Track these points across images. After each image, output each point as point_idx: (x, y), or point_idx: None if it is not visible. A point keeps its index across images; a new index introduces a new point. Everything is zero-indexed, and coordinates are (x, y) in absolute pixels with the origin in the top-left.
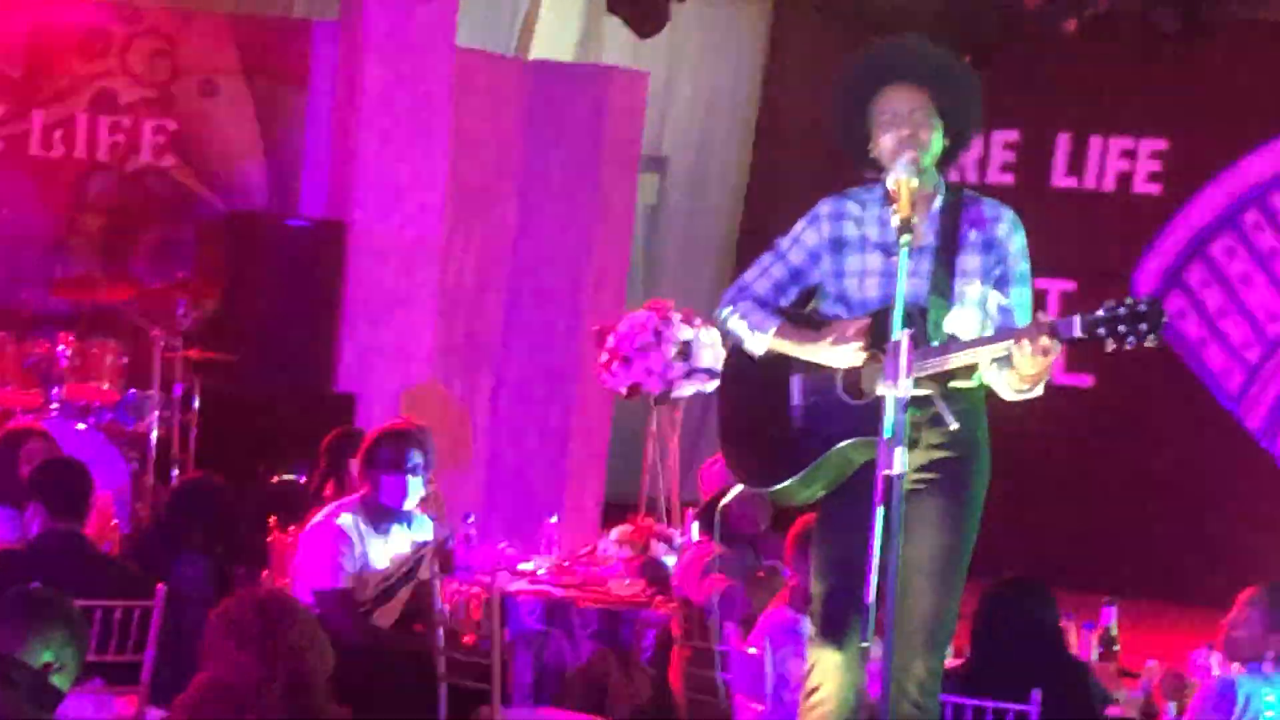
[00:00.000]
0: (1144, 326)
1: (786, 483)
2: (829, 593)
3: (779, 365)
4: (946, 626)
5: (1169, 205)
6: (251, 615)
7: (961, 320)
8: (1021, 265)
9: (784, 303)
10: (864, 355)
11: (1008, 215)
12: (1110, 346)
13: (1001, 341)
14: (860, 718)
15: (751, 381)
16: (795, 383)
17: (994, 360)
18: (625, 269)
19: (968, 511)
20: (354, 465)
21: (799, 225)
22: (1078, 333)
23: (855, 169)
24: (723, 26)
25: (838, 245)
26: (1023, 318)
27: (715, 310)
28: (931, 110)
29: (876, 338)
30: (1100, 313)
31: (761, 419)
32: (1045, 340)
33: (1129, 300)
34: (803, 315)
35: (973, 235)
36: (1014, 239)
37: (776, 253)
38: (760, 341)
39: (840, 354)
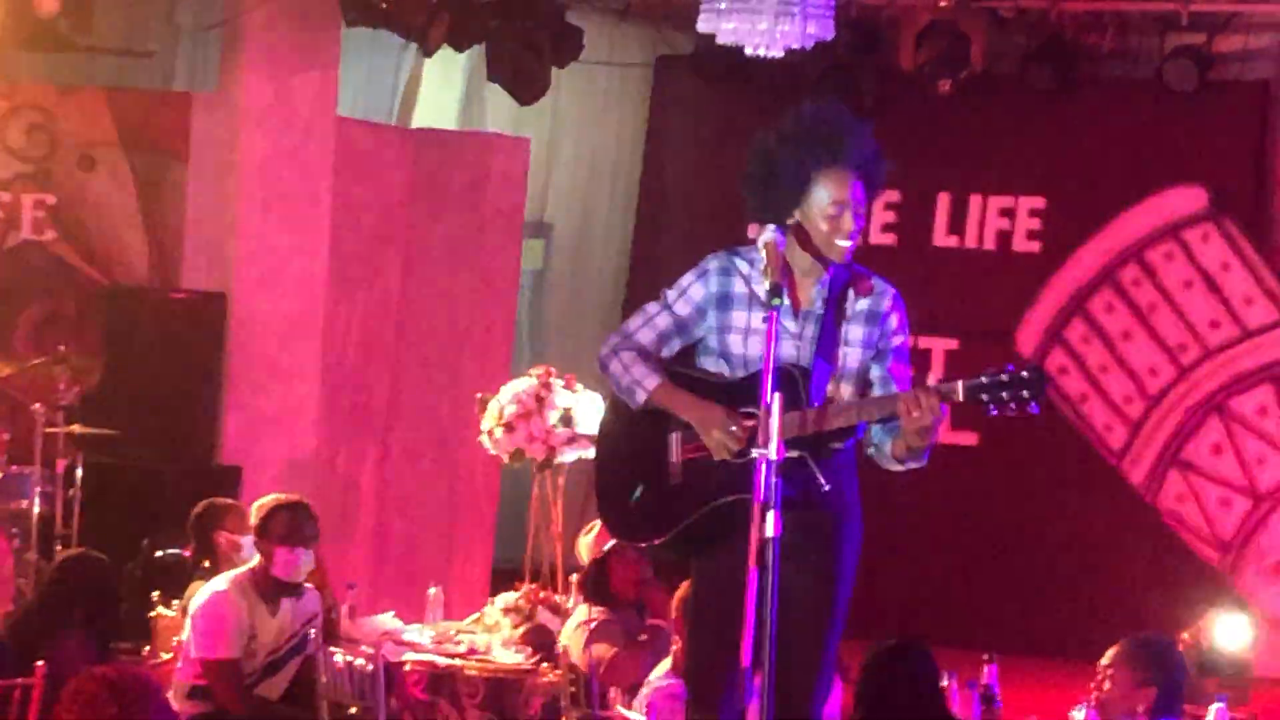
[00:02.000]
0: (1026, 393)
1: (662, 538)
2: (703, 658)
3: (655, 420)
4: (823, 687)
5: (1049, 263)
6: (104, 695)
7: (841, 387)
8: (898, 339)
9: (666, 353)
10: (733, 449)
11: (891, 292)
12: (993, 411)
13: (887, 404)
14: None
15: (629, 434)
16: (674, 438)
17: (878, 433)
18: (510, 335)
19: (840, 573)
20: (222, 538)
21: (687, 278)
22: (960, 398)
23: (754, 218)
24: (603, 91)
25: (724, 301)
26: (893, 388)
27: (600, 353)
28: (864, 199)
29: (759, 397)
30: (983, 379)
31: (638, 473)
32: (932, 401)
33: (1012, 367)
34: (685, 375)
35: (859, 306)
36: (894, 316)
37: (663, 303)
38: (639, 396)
39: (718, 443)
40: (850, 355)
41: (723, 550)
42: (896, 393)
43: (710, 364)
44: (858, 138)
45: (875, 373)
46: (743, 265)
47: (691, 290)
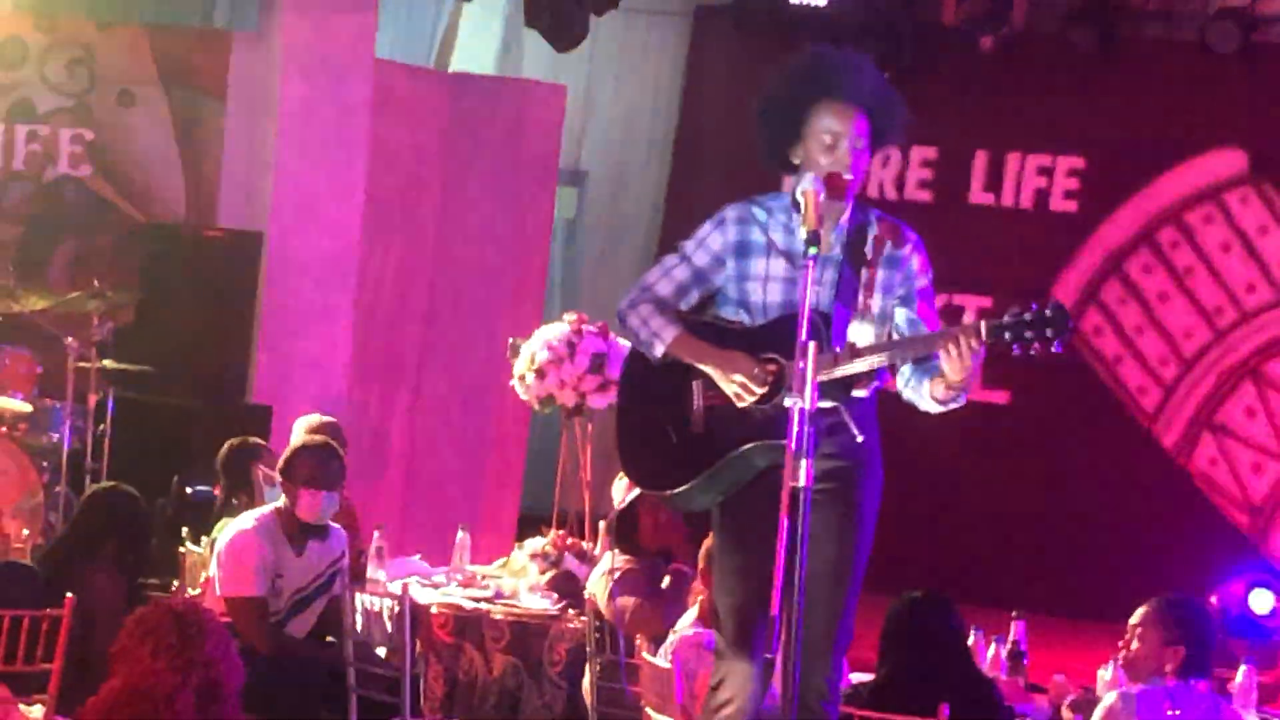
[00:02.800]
0: (1049, 331)
1: (684, 487)
2: (736, 606)
3: (678, 368)
4: (843, 636)
5: (1086, 223)
6: (168, 624)
7: (862, 332)
8: (923, 281)
9: (684, 305)
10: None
11: (911, 236)
12: (1015, 350)
13: (922, 344)
14: None
15: (650, 383)
16: (696, 386)
17: (913, 373)
18: (543, 282)
19: (862, 522)
20: (259, 473)
21: (704, 228)
22: (983, 336)
23: (768, 168)
24: (641, 41)
25: (743, 250)
26: (924, 331)
27: (618, 307)
28: (866, 134)
29: (780, 344)
30: (1005, 318)
31: (660, 422)
32: (970, 339)
33: (1036, 306)
34: (703, 324)
35: (879, 250)
36: (915, 258)
37: (680, 255)
38: (658, 348)
39: (730, 384)
40: (872, 300)
41: (746, 498)
42: (931, 332)
43: (729, 313)
44: (858, 74)
45: (902, 316)
46: (760, 213)
47: (710, 240)
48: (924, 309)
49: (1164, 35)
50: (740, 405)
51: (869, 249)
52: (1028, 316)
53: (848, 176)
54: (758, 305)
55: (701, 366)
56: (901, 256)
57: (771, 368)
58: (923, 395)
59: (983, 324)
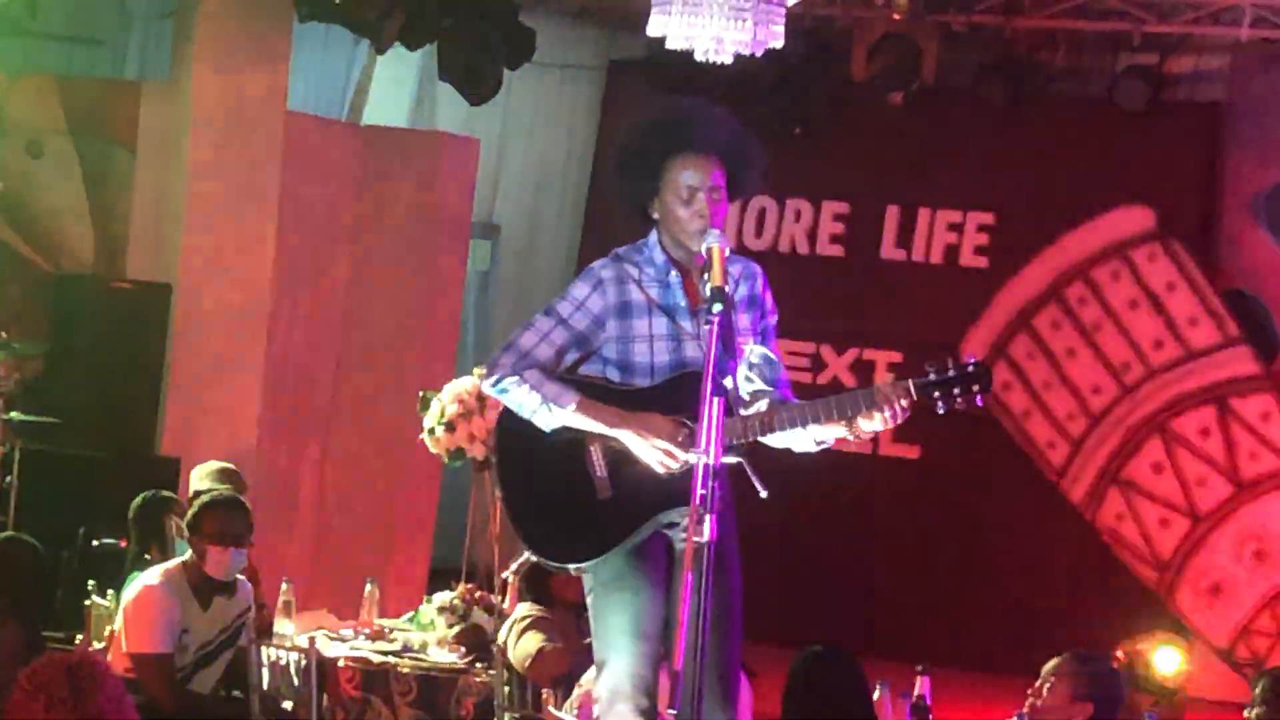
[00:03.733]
0: (976, 387)
1: (601, 557)
2: (630, 658)
3: (566, 436)
4: (737, 681)
5: (996, 278)
6: (60, 678)
7: (740, 379)
8: (773, 317)
9: (560, 368)
10: (678, 459)
11: (759, 271)
12: (940, 409)
13: (857, 402)
14: None
15: (537, 450)
16: (594, 451)
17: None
18: (455, 335)
19: (736, 569)
20: (172, 526)
21: (580, 289)
22: (913, 395)
23: (626, 220)
24: (555, 94)
25: (624, 310)
26: (782, 368)
27: (490, 375)
28: (723, 184)
29: (681, 404)
30: (931, 376)
31: (559, 492)
32: (904, 401)
33: (959, 363)
34: (595, 388)
35: (740, 292)
36: (767, 293)
37: (555, 317)
38: (557, 416)
39: (653, 450)
40: (743, 342)
41: (634, 554)
42: (872, 389)
43: (602, 370)
44: (711, 124)
45: (758, 354)
46: (632, 270)
47: (589, 302)
48: (773, 345)
49: (1074, 92)
50: (662, 471)
51: (733, 294)
52: (952, 373)
53: (703, 228)
54: (643, 366)
55: (612, 432)
56: (757, 295)
57: (689, 430)
58: (800, 439)
59: (910, 383)
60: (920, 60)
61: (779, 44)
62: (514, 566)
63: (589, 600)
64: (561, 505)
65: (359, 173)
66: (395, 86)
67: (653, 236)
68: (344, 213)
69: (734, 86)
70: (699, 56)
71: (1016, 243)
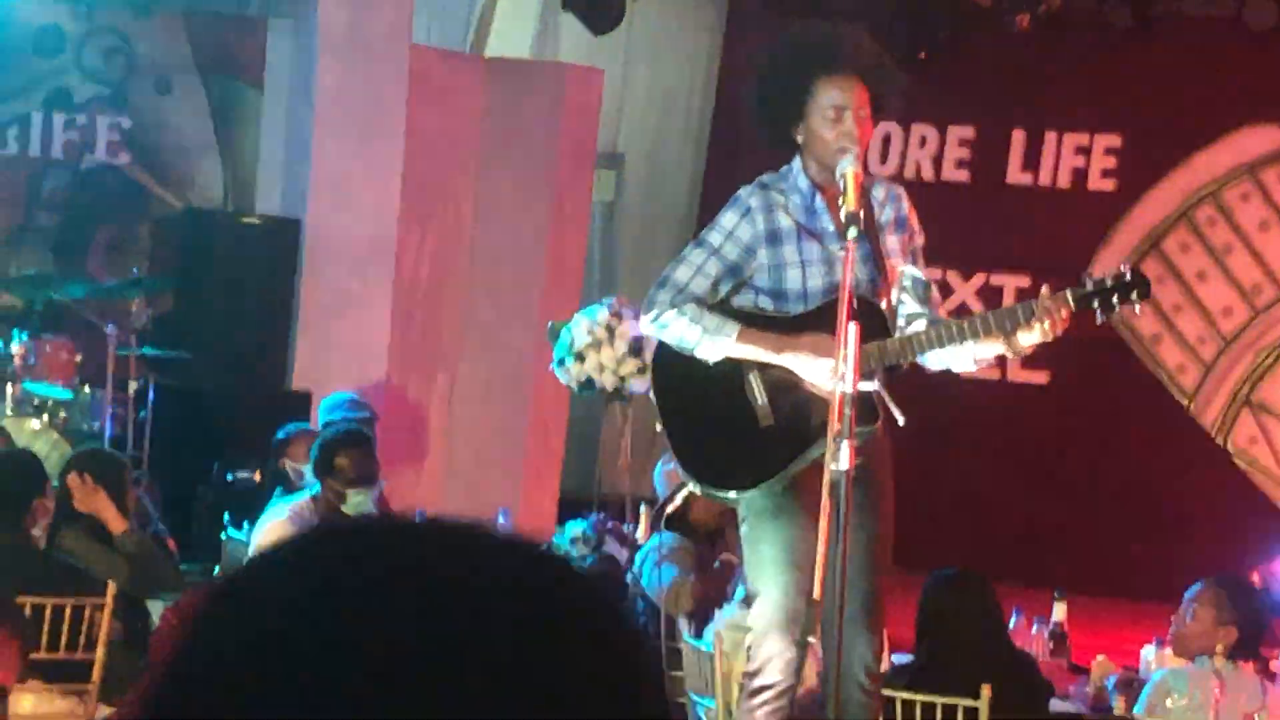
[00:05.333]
0: (1135, 294)
1: (767, 482)
2: (781, 590)
3: (725, 364)
4: (882, 608)
5: (1123, 201)
6: None
7: (895, 300)
8: (921, 239)
9: (714, 299)
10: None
11: (902, 192)
12: (1100, 317)
13: (1017, 313)
14: (809, 708)
15: (696, 381)
16: (753, 379)
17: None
18: (581, 265)
19: (886, 498)
20: (286, 465)
21: (729, 219)
22: (1071, 306)
23: (768, 146)
24: (677, 22)
25: (774, 237)
26: (933, 287)
27: (649, 310)
28: (868, 105)
29: (834, 327)
30: (1089, 285)
31: (720, 421)
32: (1064, 311)
33: (1115, 271)
34: (755, 316)
35: (885, 215)
36: (913, 214)
37: (707, 249)
38: (719, 347)
39: (824, 370)
40: (894, 265)
41: (791, 484)
42: (1030, 302)
43: (761, 302)
44: (858, 45)
45: (910, 274)
46: (778, 197)
47: (739, 231)
48: (921, 265)
49: (1201, 12)
50: (825, 389)
51: (878, 216)
52: (1109, 282)
53: (858, 149)
54: (796, 292)
55: (776, 358)
56: (903, 217)
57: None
58: (959, 357)
59: (1069, 292)
60: None
61: None
62: (678, 499)
63: (742, 530)
64: (723, 434)
65: (483, 105)
66: (518, 18)
67: (796, 162)
68: (469, 145)
69: (859, 11)
70: None
71: (1144, 165)
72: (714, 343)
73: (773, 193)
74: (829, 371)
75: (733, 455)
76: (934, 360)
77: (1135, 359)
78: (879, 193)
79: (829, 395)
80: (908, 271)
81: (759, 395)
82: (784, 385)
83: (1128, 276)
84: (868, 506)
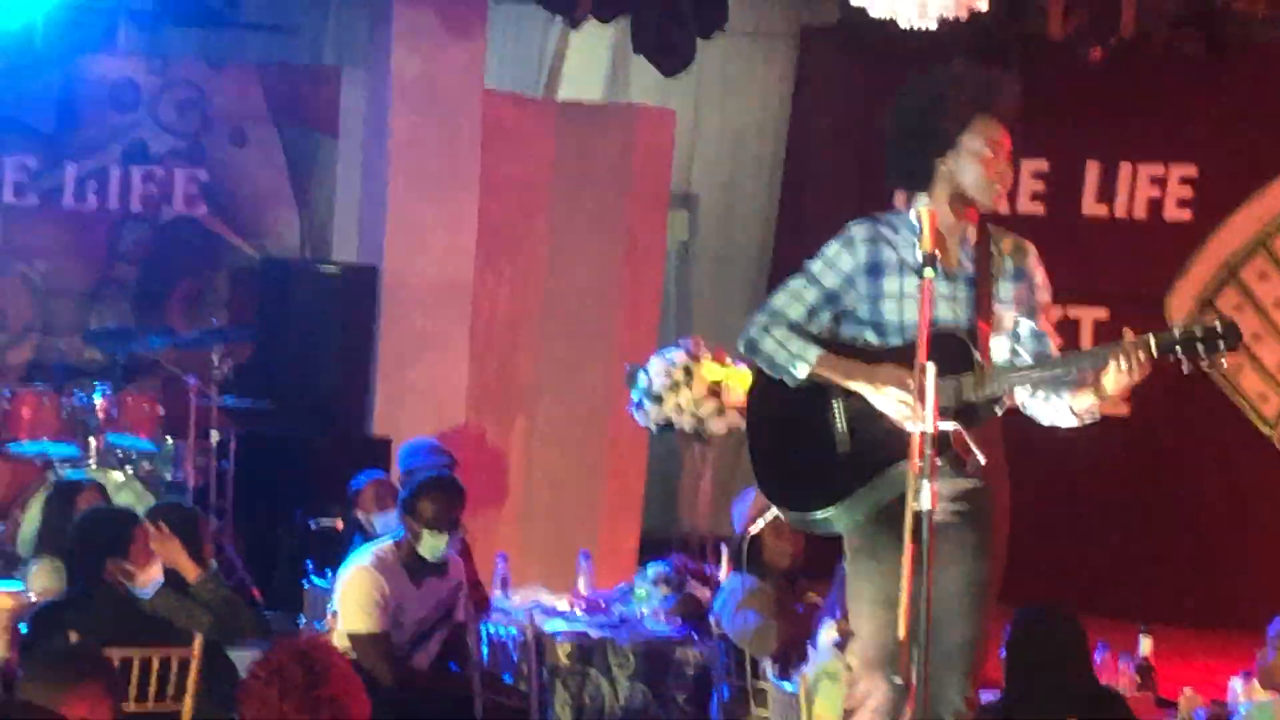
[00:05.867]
0: (1222, 344)
1: (834, 507)
2: (876, 630)
3: (814, 389)
4: (978, 655)
5: (1200, 230)
6: (294, 664)
7: (996, 347)
8: (1045, 294)
9: (815, 328)
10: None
11: (1031, 248)
12: (1186, 368)
13: (1098, 357)
14: None
15: (785, 406)
16: (836, 406)
17: (1044, 389)
18: (657, 306)
19: (995, 541)
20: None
21: (832, 248)
22: (1154, 352)
23: (897, 184)
24: (748, 62)
25: (875, 269)
26: (1053, 344)
27: (744, 334)
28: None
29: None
30: (1176, 332)
31: (801, 444)
32: (1143, 354)
33: (1205, 321)
34: (845, 346)
35: (1004, 264)
36: (1039, 270)
37: (808, 277)
38: (800, 370)
39: (887, 400)
40: (1005, 313)
41: (883, 521)
42: (1109, 346)
43: (861, 333)
44: (1015, 92)
45: (1027, 329)
46: (887, 231)
47: (839, 260)
48: (1044, 322)
49: (1274, 40)
50: (899, 420)
51: (995, 263)
52: (1197, 331)
53: (1002, 189)
54: (894, 325)
55: (851, 384)
56: (1026, 269)
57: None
58: (1059, 410)
59: (1151, 338)
60: (1118, 14)
61: (983, 7)
62: (760, 523)
63: (846, 566)
64: (801, 457)
65: (556, 148)
66: (589, 61)
67: (920, 199)
68: (543, 188)
69: (930, 48)
70: (903, 24)
71: (1220, 194)
72: (796, 367)
73: (881, 226)
74: (896, 402)
75: (805, 477)
76: (1040, 413)
77: (1216, 389)
78: (1005, 243)
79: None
80: (1025, 324)
81: (840, 421)
82: (868, 413)
83: (1218, 327)
84: (969, 548)
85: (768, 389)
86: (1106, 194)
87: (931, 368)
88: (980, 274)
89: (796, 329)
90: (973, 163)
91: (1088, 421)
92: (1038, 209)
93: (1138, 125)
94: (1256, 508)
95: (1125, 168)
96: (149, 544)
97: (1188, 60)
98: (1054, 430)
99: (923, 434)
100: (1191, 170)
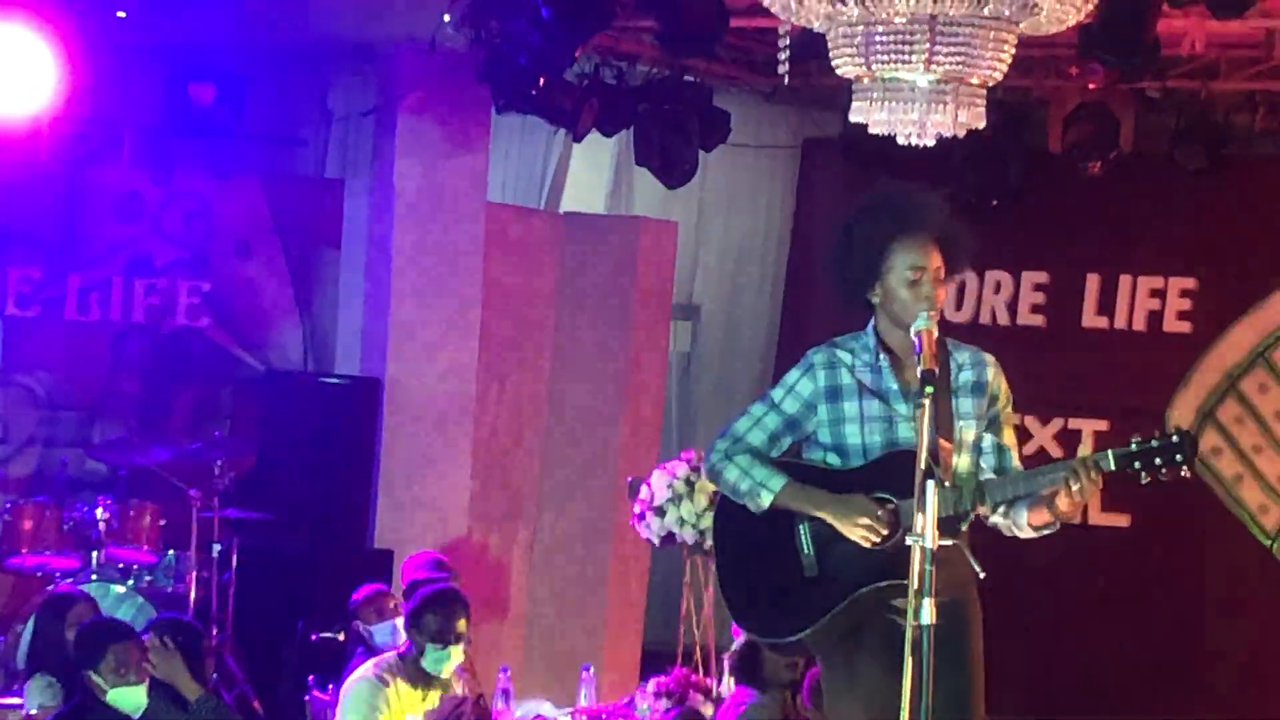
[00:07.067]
0: (1178, 457)
1: (805, 632)
2: None
3: (779, 515)
4: None
5: (1199, 342)
6: None
7: (960, 463)
8: (1007, 406)
9: (776, 453)
10: (878, 536)
11: (991, 360)
12: (1144, 479)
13: (1046, 477)
14: None
15: (749, 530)
16: (802, 530)
17: (1004, 503)
18: (659, 418)
19: (977, 651)
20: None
21: (792, 375)
22: (1111, 466)
23: (846, 306)
24: (750, 174)
25: (834, 394)
26: (1014, 456)
27: (706, 459)
28: (944, 268)
29: (890, 484)
30: (1133, 446)
31: (768, 569)
32: (1093, 473)
33: (1161, 432)
34: (806, 469)
35: (963, 378)
36: (1000, 381)
37: (769, 403)
38: (765, 499)
39: (855, 529)
40: (965, 429)
41: (861, 638)
42: (1056, 464)
43: (823, 457)
44: (932, 209)
45: (989, 442)
46: (844, 355)
47: (799, 386)
48: (1007, 434)
49: (1273, 153)
50: (865, 547)
51: (954, 378)
52: (1154, 443)
53: (934, 311)
54: (856, 447)
55: (816, 513)
56: (985, 382)
57: (890, 506)
58: (1019, 524)
59: (1110, 454)
60: (1117, 129)
61: (980, 125)
62: (734, 648)
63: (822, 681)
64: (769, 582)
65: (559, 259)
66: (592, 173)
67: (870, 324)
68: (545, 299)
69: (930, 161)
70: (901, 141)
71: (1220, 307)
72: (760, 495)
73: (840, 351)
74: (859, 529)
75: (776, 603)
76: (1000, 525)
77: (1217, 500)
78: (962, 356)
79: (875, 549)
80: (987, 438)
81: (806, 546)
82: (834, 537)
83: (1171, 438)
84: (950, 661)
85: (731, 512)
86: (1106, 306)
87: (932, 485)
88: (937, 390)
89: (759, 455)
90: (897, 287)
91: (1046, 533)
92: (1038, 320)
93: (1137, 238)
94: (1258, 621)
95: (1125, 280)
96: (140, 659)
97: (1187, 173)
98: (1053, 541)
99: (921, 549)
100: (1191, 283)
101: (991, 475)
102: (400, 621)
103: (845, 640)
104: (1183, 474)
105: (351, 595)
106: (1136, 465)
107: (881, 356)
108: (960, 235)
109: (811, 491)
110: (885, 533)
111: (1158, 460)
